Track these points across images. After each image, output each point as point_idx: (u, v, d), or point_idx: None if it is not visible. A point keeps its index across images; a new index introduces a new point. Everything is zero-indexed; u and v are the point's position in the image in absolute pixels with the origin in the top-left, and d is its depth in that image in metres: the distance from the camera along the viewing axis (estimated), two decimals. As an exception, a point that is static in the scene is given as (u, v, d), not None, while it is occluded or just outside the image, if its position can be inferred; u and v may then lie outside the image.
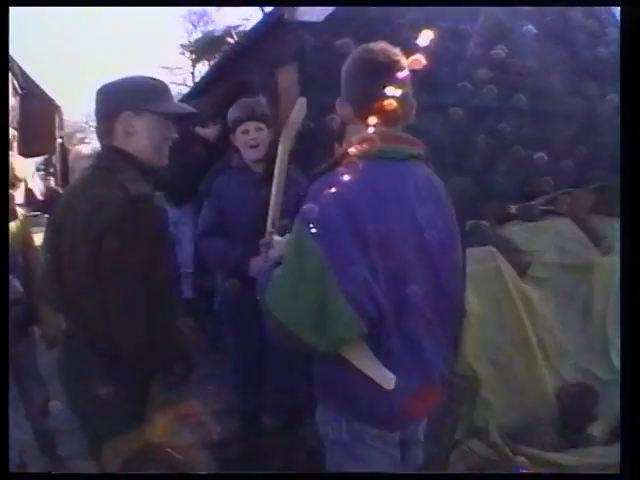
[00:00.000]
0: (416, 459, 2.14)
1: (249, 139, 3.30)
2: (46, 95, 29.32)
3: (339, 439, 1.98)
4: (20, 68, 27.95)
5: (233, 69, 6.35)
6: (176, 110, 2.21)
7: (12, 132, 26.22)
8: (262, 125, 3.31)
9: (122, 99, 2.11)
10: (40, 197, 13.36)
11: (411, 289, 1.85)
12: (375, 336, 1.82)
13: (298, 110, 2.78)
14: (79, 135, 40.82)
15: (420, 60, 1.61)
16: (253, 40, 5.56)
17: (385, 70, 1.83)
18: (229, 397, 3.87)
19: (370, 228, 1.77)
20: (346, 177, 1.77)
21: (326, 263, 1.73)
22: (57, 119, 29.67)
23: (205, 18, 24.47)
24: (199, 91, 8.91)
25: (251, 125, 3.28)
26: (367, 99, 1.81)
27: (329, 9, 4.53)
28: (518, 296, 4.09)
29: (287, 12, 4.50)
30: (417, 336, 1.90)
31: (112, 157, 2.15)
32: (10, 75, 24.77)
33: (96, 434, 2.13)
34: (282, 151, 2.62)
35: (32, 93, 28.27)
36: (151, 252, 1.97)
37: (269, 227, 2.58)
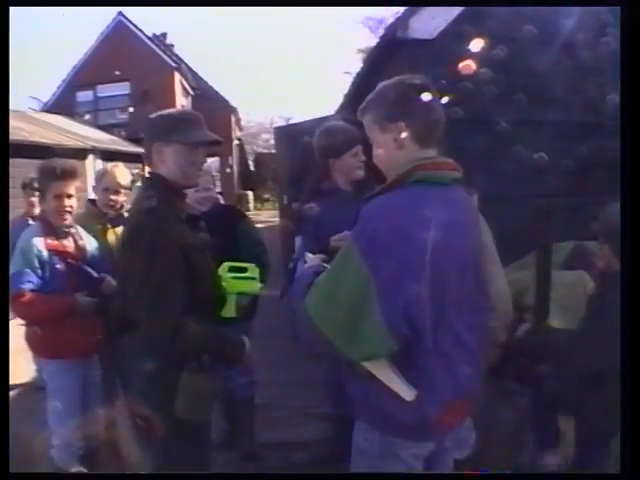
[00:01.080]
0: (446, 466, 2.22)
1: (359, 161, 3.44)
2: (220, 96, 30.39)
3: (370, 450, 2.04)
4: (190, 69, 29.34)
5: (369, 82, 6.44)
6: (197, 139, 2.44)
7: None
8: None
9: (155, 131, 2.45)
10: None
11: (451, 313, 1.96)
12: (410, 352, 1.89)
13: None
14: (265, 136, 40.02)
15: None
16: (381, 54, 5.63)
17: (434, 99, 2.01)
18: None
19: (420, 250, 1.83)
20: (399, 201, 1.91)
21: (370, 280, 1.81)
22: (233, 120, 30.20)
23: (383, 24, 24.80)
24: (346, 102, 8.97)
25: (360, 147, 3.41)
26: (426, 124, 1.98)
27: (441, 25, 4.56)
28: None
29: (399, 29, 4.55)
30: (452, 353, 1.96)
31: (148, 180, 2.53)
32: (179, 76, 26.49)
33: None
34: None
35: (205, 94, 29.59)
36: (157, 258, 2.25)
37: None
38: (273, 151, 22.05)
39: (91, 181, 4.19)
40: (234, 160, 30.27)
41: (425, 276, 1.83)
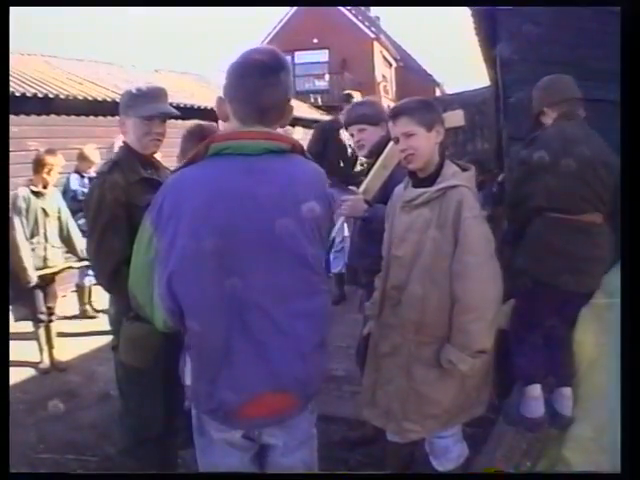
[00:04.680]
0: (280, 464, 2.06)
1: (355, 141, 3.53)
2: (423, 69, 30.31)
3: (194, 426, 2.03)
4: (393, 41, 29.35)
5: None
6: (148, 113, 2.70)
7: (387, 103, 27.78)
8: (364, 126, 3.43)
9: (120, 107, 2.79)
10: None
11: (255, 289, 1.81)
12: (217, 334, 1.82)
13: (453, 118, 3.19)
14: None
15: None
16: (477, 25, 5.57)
17: (264, 73, 1.85)
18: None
19: (205, 227, 1.76)
20: (187, 173, 1.84)
21: (157, 250, 1.83)
22: (438, 94, 28.93)
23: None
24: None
25: (354, 128, 3.47)
26: (242, 100, 1.86)
27: None
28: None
29: None
30: (263, 339, 1.83)
31: (119, 147, 2.89)
32: (379, 47, 26.48)
33: None
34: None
35: (408, 67, 29.71)
36: (101, 213, 2.60)
37: (359, 190, 3.07)
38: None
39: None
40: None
41: (205, 252, 1.75)
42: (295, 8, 25.81)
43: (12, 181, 6.90)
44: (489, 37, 5.39)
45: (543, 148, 3.05)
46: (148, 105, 2.72)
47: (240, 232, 1.77)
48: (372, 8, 31.13)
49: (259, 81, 1.83)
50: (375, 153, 3.29)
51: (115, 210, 2.58)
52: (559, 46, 3.84)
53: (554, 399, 3.11)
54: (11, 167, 6.91)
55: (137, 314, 2.34)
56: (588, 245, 2.92)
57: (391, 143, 2.94)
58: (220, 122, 2.02)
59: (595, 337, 3.20)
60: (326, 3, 24.79)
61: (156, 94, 2.80)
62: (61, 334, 5.60)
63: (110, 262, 2.54)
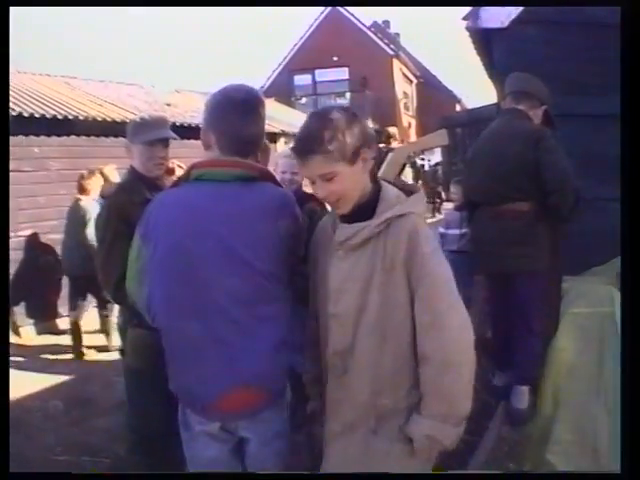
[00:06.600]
0: (256, 457, 2.17)
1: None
2: (443, 86, 31.05)
3: (180, 420, 2.20)
4: (413, 58, 29.94)
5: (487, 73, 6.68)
6: (149, 138, 2.95)
7: (408, 120, 28.63)
8: None
9: (127, 134, 3.05)
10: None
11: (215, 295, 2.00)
12: (187, 333, 2.02)
13: (437, 138, 3.35)
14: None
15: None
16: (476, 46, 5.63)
17: (246, 111, 2.07)
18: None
19: (175, 240, 2.00)
20: (168, 196, 2.13)
21: (144, 261, 2.08)
22: (459, 110, 29.09)
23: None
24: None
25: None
26: (226, 133, 2.06)
27: (513, 13, 4.38)
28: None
29: (470, 20, 4.53)
30: (228, 340, 1.99)
31: (128, 170, 3.14)
32: (399, 64, 26.65)
33: None
34: (392, 156, 3.10)
35: (428, 83, 30.32)
36: (107, 231, 2.86)
37: None
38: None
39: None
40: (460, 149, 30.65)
41: (176, 260, 1.99)
42: (314, 26, 26.19)
43: (34, 200, 7.19)
44: (487, 55, 5.48)
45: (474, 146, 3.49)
46: (150, 132, 2.99)
47: (204, 246, 1.98)
48: (392, 24, 32.29)
49: (242, 117, 2.06)
50: None
51: (120, 228, 2.79)
52: (552, 62, 3.89)
53: (511, 392, 3.27)
54: (33, 186, 7.33)
55: (139, 321, 2.58)
56: (509, 231, 3.18)
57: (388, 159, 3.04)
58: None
59: (575, 344, 3.32)
60: (327, 3, 25.07)
61: (157, 122, 3.09)
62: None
63: (114, 275, 2.73)
